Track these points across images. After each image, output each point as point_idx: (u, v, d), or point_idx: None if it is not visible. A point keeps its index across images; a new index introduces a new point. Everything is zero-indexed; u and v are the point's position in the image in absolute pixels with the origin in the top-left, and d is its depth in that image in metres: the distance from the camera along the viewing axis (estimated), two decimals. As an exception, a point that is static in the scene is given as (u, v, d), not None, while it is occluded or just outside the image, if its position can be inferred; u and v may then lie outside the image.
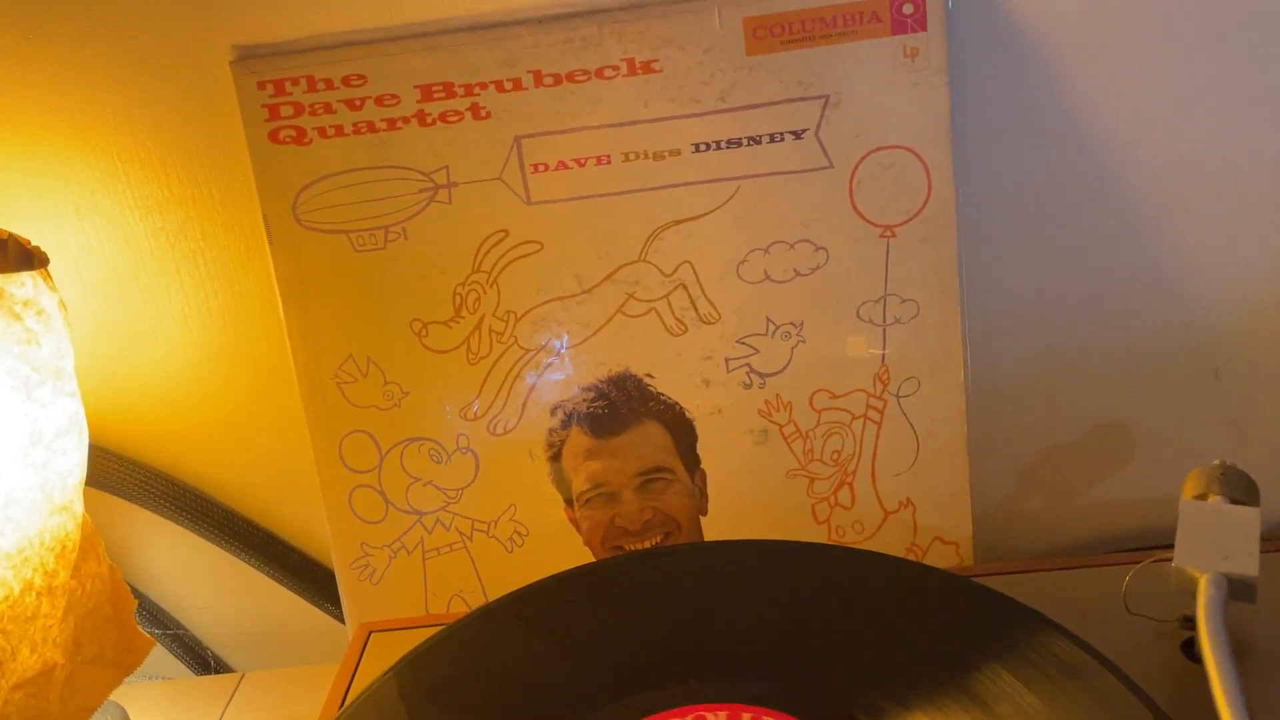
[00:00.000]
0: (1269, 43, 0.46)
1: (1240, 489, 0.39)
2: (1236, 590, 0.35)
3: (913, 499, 0.50)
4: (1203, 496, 0.39)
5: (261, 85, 0.46)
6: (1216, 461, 0.40)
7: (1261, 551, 0.36)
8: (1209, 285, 0.50)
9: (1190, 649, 0.39)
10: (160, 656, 0.59)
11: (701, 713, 0.36)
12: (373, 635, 0.47)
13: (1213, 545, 0.36)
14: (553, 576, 0.44)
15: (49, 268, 0.43)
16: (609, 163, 0.47)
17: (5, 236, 0.41)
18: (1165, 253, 0.49)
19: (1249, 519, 0.37)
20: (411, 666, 0.41)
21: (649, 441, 0.50)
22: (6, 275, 0.41)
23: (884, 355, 0.48)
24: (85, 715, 0.46)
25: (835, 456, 0.49)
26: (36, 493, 0.43)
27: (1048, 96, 0.47)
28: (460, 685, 0.39)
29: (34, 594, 0.43)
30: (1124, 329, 0.51)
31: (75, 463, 0.45)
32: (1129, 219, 0.49)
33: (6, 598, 0.41)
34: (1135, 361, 0.51)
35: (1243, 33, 0.46)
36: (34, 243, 0.43)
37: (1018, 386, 0.51)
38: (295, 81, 0.46)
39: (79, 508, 0.46)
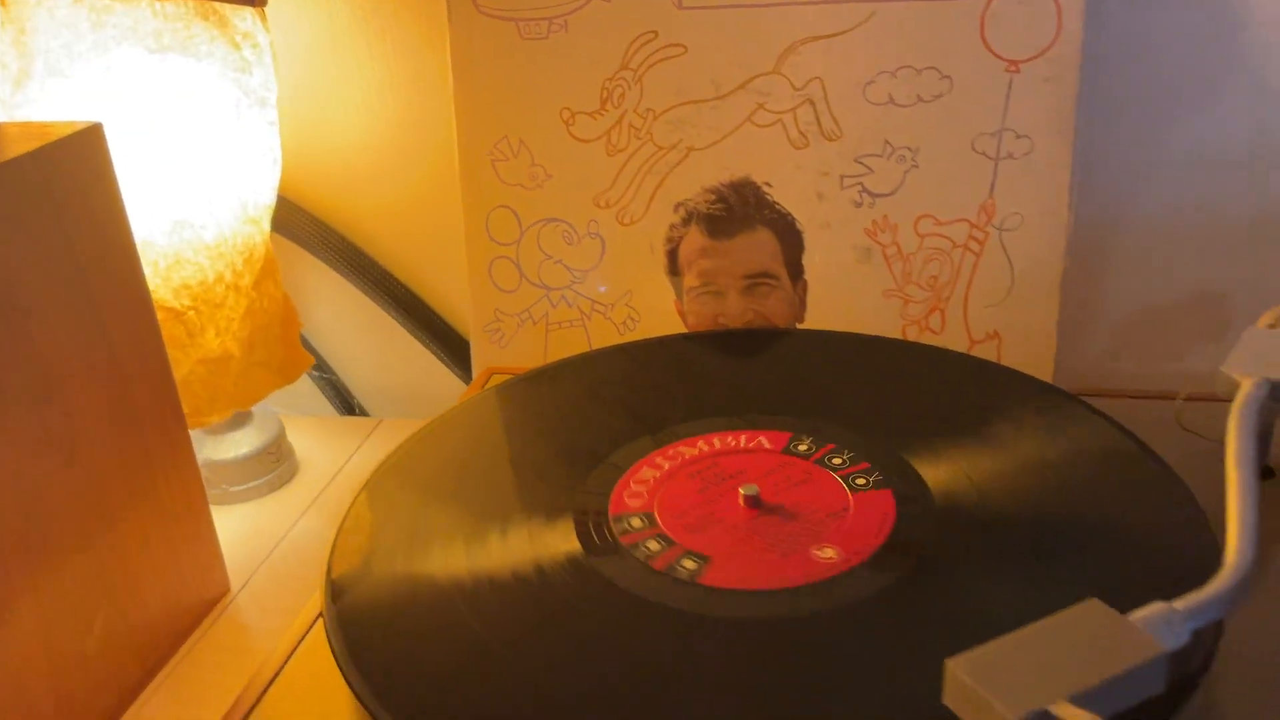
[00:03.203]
0: None
1: (1313, 325, 0.40)
2: (1280, 397, 0.37)
3: (1000, 331, 0.52)
4: (1274, 327, 0.40)
5: (459, -124, 0.52)
6: (1298, 302, 0.41)
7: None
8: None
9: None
10: (312, 395, 0.68)
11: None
12: (493, 376, 0.54)
13: (1265, 359, 0.38)
14: (654, 338, 0.50)
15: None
16: (758, -25, 0.50)
17: (240, -26, 0.49)
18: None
19: (1310, 343, 0.38)
20: (509, 387, 0.47)
21: (759, 247, 0.54)
22: (233, 5, 0.48)
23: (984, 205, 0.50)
24: (251, 402, 0.54)
25: (932, 281, 0.52)
26: (234, 200, 0.51)
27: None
28: (548, 407, 0.46)
29: (223, 286, 0.51)
30: (1246, 199, 0.51)
31: (268, 185, 0.53)
32: (1270, 82, 0.49)
33: (202, 281, 0.50)
34: (1252, 234, 0.52)
35: None
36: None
37: (1124, 241, 0.53)
38: (489, -125, 0.51)
39: (266, 228, 0.54)
